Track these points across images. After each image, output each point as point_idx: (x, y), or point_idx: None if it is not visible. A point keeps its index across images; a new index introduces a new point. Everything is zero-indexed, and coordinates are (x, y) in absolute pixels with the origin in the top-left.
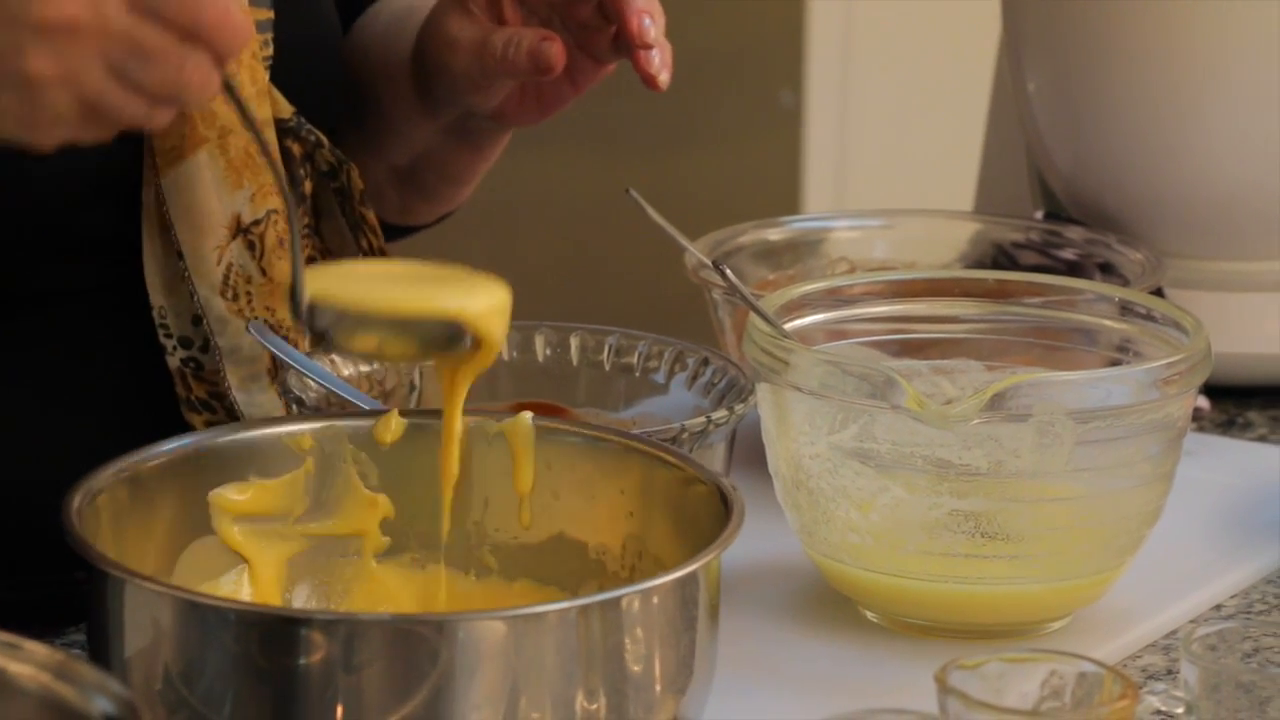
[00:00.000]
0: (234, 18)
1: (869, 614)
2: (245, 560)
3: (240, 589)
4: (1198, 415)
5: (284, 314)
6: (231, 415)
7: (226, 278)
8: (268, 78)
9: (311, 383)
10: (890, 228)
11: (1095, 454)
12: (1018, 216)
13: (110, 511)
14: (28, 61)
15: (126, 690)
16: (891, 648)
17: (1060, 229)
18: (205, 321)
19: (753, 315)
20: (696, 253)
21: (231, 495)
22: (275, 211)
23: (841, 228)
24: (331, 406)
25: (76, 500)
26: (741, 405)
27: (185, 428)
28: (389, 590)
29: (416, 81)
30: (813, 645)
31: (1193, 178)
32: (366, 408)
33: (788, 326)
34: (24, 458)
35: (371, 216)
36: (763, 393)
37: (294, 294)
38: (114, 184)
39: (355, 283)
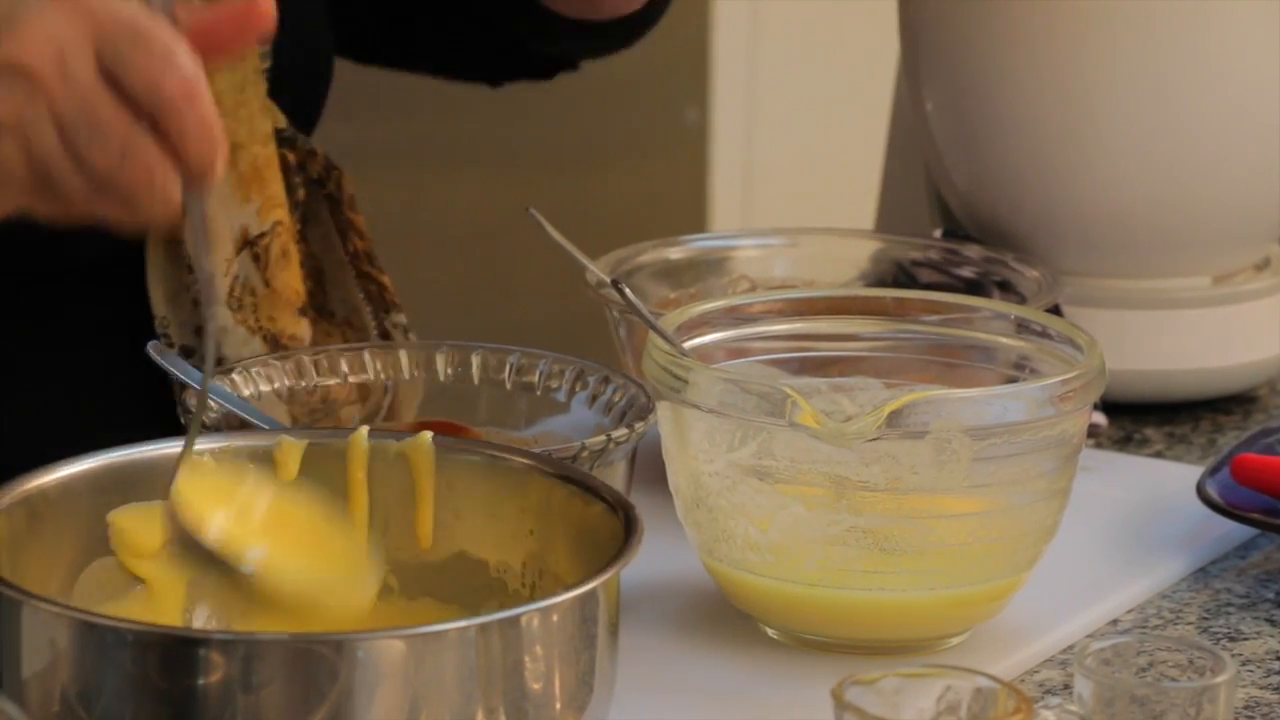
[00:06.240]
0: (199, 96)
1: (769, 631)
2: (145, 581)
3: (141, 610)
4: (1095, 432)
5: (285, 323)
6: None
7: (232, 290)
8: (266, 90)
9: (212, 403)
10: (792, 246)
11: (992, 470)
12: (917, 235)
13: (8, 533)
14: None
15: (23, 713)
16: (791, 664)
17: (959, 247)
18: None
19: (652, 334)
20: (596, 271)
21: (131, 517)
22: (280, 223)
23: (743, 246)
24: (231, 427)
25: None
26: (642, 424)
27: (181, 431)
28: None
29: None
30: (712, 662)
31: (1088, 196)
32: (267, 428)
33: (687, 345)
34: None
35: (360, 221)
36: (662, 411)
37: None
38: None
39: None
